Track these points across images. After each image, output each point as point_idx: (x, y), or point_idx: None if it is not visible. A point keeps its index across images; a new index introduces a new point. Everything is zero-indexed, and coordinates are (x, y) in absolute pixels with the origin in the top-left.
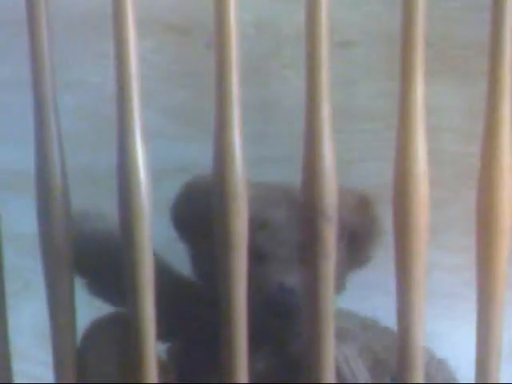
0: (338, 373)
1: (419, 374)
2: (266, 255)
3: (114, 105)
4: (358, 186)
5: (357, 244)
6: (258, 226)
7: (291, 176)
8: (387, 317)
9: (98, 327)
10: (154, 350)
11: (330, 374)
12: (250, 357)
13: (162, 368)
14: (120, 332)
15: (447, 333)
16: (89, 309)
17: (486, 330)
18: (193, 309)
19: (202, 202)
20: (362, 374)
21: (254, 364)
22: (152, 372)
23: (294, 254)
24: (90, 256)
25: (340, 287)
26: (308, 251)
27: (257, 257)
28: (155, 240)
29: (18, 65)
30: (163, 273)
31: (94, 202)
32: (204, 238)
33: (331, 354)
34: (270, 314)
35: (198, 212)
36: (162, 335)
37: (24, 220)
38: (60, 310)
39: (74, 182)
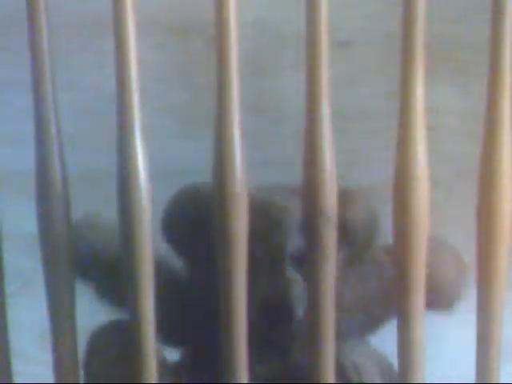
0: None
1: (420, 375)
2: (257, 261)
3: (113, 105)
4: (358, 186)
5: (350, 240)
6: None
7: (291, 176)
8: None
9: (101, 334)
10: (153, 349)
11: (330, 375)
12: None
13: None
14: (122, 338)
15: (447, 333)
16: (89, 309)
17: (485, 330)
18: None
19: (193, 212)
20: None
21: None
22: (152, 372)
23: (286, 258)
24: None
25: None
26: (308, 252)
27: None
28: (155, 240)
29: (18, 65)
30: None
31: (93, 202)
32: (197, 249)
33: (332, 356)
34: (264, 321)
35: (189, 223)
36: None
37: (24, 220)
38: (60, 309)
39: (73, 182)
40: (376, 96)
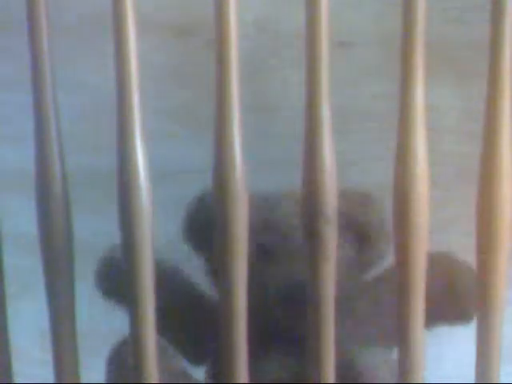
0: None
1: (420, 375)
2: (271, 253)
3: (114, 105)
4: (358, 186)
5: (365, 243)
6: (259, 226)
7: (291, 176)
8: None
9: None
10: (153, 347)
11: (330, 375)
12: (262, 358)
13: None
14: None
15: (447, 333)
16: (89, 309)
17: (485, 330)
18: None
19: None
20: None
21: (267, 365)
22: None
23: (299, 249)
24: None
25: (353, 288)
26: (308, 252)
27: (262, 255)
28: (156, 241)
29: (18, 65)
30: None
31: (93, 202)
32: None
33: (332, 355)
34: (281, 309)
35: (211, 222)
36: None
37: (24, 220)
38: (60, 310)
39: (73, 182)
40: (376, 96)
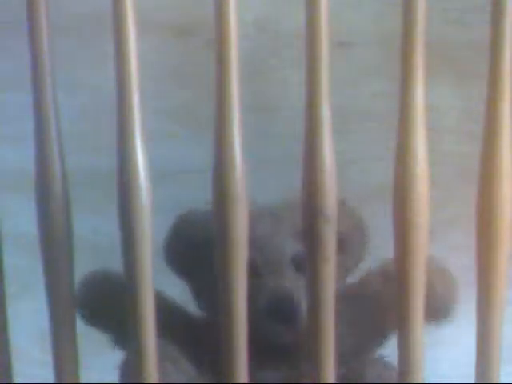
0: None
1: (420, 375)
2: (259, 268)
3: (114, 105)
4: (358, 186)
5: (344, 251)
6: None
7: (291, 176)
8: None
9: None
10: (153, 345)
11: (330, 375)
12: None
13: None
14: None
15: (447, 333)
16: None
17: (486, 330)
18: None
19: (194, 236)
20: None
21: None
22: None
23: (286, 263)
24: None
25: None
26: (308, 252)
27: (250, 270)
28: (157, 242)
29: (18, 65)
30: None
31: (93, 202)
32: (201, 271)
33: (331, 356)
34: (270, 323)
35: (192, 247)
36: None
37: (24, 220)
38: (60, 310)
39: (73, 182)
40: (376, 96)
